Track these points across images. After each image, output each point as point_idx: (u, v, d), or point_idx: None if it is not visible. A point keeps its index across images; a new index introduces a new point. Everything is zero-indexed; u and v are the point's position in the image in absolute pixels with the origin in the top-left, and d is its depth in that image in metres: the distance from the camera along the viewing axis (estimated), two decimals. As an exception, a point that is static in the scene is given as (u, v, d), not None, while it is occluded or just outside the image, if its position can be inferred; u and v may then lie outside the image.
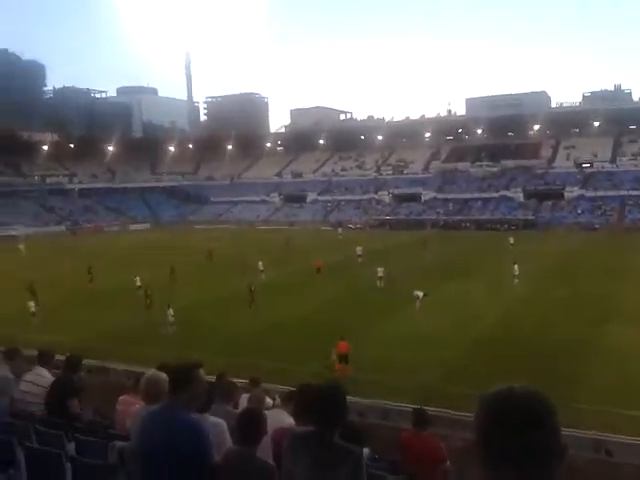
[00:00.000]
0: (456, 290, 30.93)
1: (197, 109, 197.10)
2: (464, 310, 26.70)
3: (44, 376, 7.04)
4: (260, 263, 38.00)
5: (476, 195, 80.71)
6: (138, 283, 32.93)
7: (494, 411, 1.46)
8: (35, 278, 33.38)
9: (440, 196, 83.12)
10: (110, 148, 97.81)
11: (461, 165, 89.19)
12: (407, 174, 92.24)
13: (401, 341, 22.22)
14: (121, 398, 6.58)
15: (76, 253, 51.41)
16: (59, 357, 8.33)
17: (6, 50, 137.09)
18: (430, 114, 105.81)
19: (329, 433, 3.41)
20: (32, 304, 27.86)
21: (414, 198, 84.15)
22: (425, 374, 18.32)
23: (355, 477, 3.37)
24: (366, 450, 6.97)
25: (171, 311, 25.10)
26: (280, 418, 5.63)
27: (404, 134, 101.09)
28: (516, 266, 33.63)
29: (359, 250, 44.45)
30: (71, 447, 5.33)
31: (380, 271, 34.16)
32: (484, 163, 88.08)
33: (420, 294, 27.55)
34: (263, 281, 34.99)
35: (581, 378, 17.55)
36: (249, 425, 4.17)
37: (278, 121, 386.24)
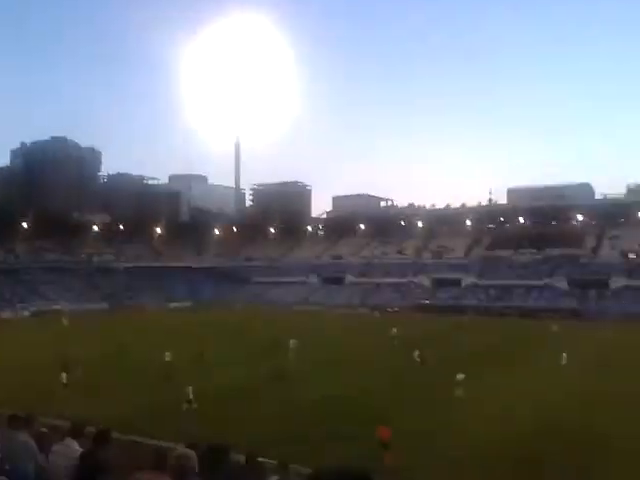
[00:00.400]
0: (498, 378, 29.78)
1: (243, 196, 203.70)
2: (504, 401, 25.58)
3: (73, 448, 7.03)
4: (292, 341, 38.10)
5: (518, 282, 79.24)
6: (168, 359, 33.50)
7: None
8: (69, 352, 34.07)
9: (481, 282, 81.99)
10: (157, 230, 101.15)
11: (503, 252, 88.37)
12: (447, 259, 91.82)
13: (434, 428, 21.40)
14: (144, 477, 6.50)
15: (113, 330, 52.13)
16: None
17: (64, 138, 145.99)
18: (471, 202, 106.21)
19: None
20: (64, 375, 28.61)
21: (454, 283, 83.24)
22: (461, 468, 17.43)
23: None
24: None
25: (190, 389, 25.08)
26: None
27: (445, 221, 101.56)
28: (564, 354, 32.51)
29: (394, 331, 44.54)
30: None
31: (416, 355, 34.24)
32: (527, 250, 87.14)
33: (461, 376, 27.01)
34: (294, 360, 34.90)
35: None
36: None
37: (320, 208, 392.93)
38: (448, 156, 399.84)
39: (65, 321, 57.03)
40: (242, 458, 7.86)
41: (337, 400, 25.55)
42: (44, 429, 8.36)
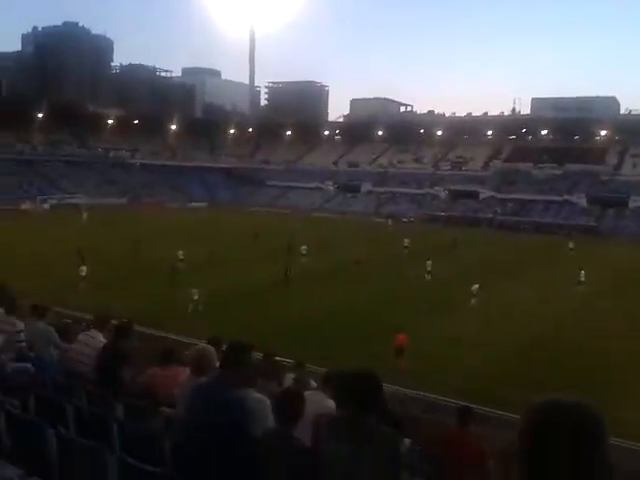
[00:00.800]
0: (510, 291, 30.20)
1: (258, 94, 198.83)
2: (518, 312, 26.07)
3: (97, 338, 7.28)
4: (303, 247, 38.30)
5: (537, 197, 78.48)
6: (181, 257, 34.41)
7: (543, 420, 1.41)
8: (88, 245, 34.92)
9: (499, 195, 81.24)
10: (172, 127, 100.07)
11: (523, 166, 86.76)
12: (465, 171, 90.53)
13: (449, 337, 21.95)
14: (153, 371, 6.77)
15: (134, 225, 52.92)
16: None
17: (76, 24, 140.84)
18: (493, 112, 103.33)
19: (365, 418, 3.48)
20: (84, 268, 29.21)
21: (471, 195, 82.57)
22: (471, 372, 18.04)
23: (392, 461, 3.43)
24: (407, 440, 6.92)
25: (195, 291, 25.20)
26: (320, 400, 5.65)
27: (465, 131, 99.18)
28: (582, 272, 32.70)
29: (406, 242, 44.65)
30: (119, 409, 5.49)
31: (429, 265, 34.14)
32: (547, 165, 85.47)
33: (476, 287, 27.45)
34: (305, 265, 35.44)
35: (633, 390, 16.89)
36: (287, 405, 4.24)
37: (337, 110, 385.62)
38: (472, 63, 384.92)
39: (85, 215, 57.82)
40: (259, 356, 8.12)
41: (346, 307, 25.89)
42: (68, 320, 8.72)
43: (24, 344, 7.05)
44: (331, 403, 5.67)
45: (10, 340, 6.69)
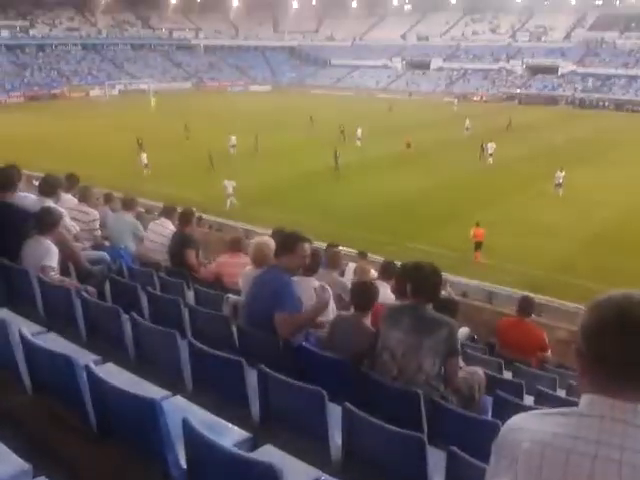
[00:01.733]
0: (584, 177, 28.67)
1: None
2: (591, 200, 24.86)
3: (168, 227, 7.59)
4: (359, 131, 37.09)
5: (621, 71, 71.87)
6: (233, 142, 33.90)
7: (612, 316, 1.33)
8: (155, 132, 35.35)
9: (580, 70, 74.96)
10: (234, 2, 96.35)
11: (608, 35, 78.75)
12: (545, 42, 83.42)
13: (512, 224, 21.37)
14: (221, 259, 7.06)
15: (200, 111, 52.98)
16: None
17: None
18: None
19: (423, 305, 3.73)
20: (144, 156, 29.31)
21: (550, 70, 76.61)
22: (537, 261, 17.73)
23: (447, 344, 3.64)
24: (465, 329, 7.06)
25: (233, 183, 23.45)
26: (382, 291, 5.76)
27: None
28: None
29: (467, 123, 42.43)
30: (190, 296, 5.81)
31: (491, 147, 32.31)
32: (634, 34, 77.30)
33: (561, 175, 25.63)
34: (360, 151, 34.34)
35: None
36: (363, 295, 4.47)
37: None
38: None
39: (153, 101, 58.16)
40: (321, 246, 8.27)
41: (402, 197, 24.89)
42: (142, 209, 9.05)
43: (99, 232, 7.43)
44: (391, 295, 5.79)
45: (85, 228, 7.06)
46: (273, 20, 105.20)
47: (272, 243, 5.08)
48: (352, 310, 4.51)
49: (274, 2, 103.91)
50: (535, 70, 78.01)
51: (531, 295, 7.61)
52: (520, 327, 6.62)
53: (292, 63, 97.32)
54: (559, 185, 25.34)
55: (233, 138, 34.08)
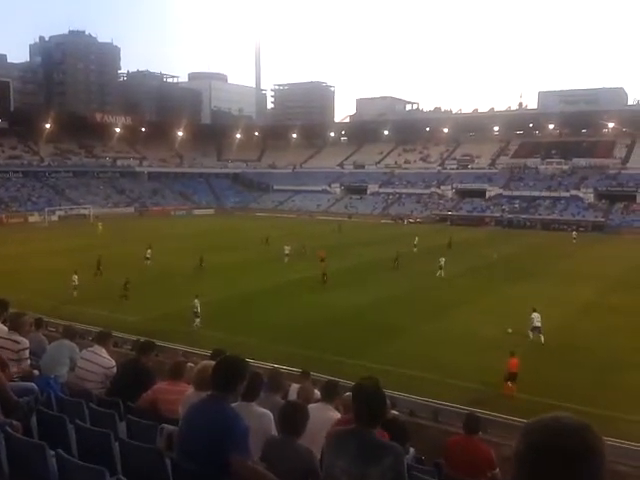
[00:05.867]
0: (517, 292, 29.97)
1: (264, 97, 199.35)
2: (523, 313, 25.73)
3: (102, 355, 7.28)
4: (286, 248, 39.01)
5: (545, 194, 77.88)
6: (147, 255, 36.55)
7: (542, 441, 1.35)
8: (109, 254, 35.54)
9: (506, 193, 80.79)
10: (179, 133, 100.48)
11: (530, 161, 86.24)
12: (472, 169, 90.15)
13: (455, 340, 21.73)
14: (158, 387, 6.75)
15: (142, 234, 52.99)
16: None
17: (83, 32, 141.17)
18: (500, 107, 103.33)
19: (368, 430, 3.52)
20: (75, 277, 28.58)
21: (478, 194, 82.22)
22: (477, 376, 17.85)
23: (394, 473, 3.43)
24: (412, 450, 6.88)
25: (197, 302, 23.59)
26: (324, 412, 5.62)
27: (472, 127, 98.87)
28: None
29: (416, 240, 45.54)
30: (122, 428, 5.47)
31: (442, 261, 34.70)
32: (555, 160, 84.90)
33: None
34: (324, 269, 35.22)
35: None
36: (290, 418, 4.27)
37: (344, 110, 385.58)
38: (477, 59, 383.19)
39: (100, 226, 57.55)
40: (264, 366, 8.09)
41: (359, 308, 25.86)
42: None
43: (28, 362, 7.05)
44: (335, 414, 5.64)
45: (14, 358, 6.69)
46: (217, 150, 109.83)
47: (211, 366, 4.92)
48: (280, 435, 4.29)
49: (218, 134, 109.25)
50: (464, 194, 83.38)
51: (477, 412, 7.57)
52: (468, 445, 6.52)
53: (236, 189, 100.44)
54: (536, 329, 22.20)
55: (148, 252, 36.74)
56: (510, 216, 73.63)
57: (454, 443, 6.76)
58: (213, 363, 5.24)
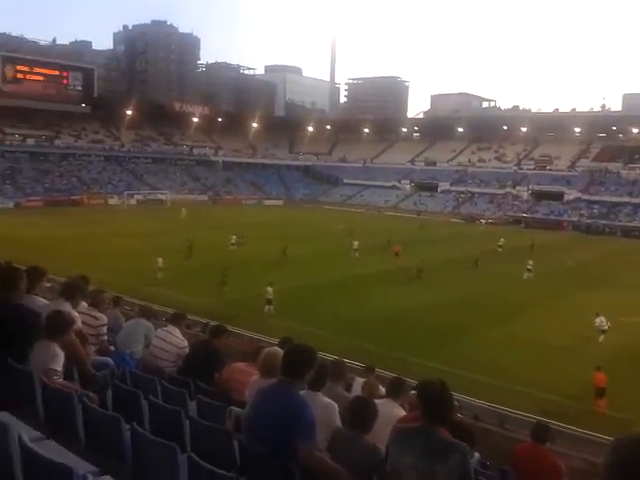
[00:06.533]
0: (592, 299, 28.59)
1: (338, 90, 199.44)
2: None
3: (176, 335, 7.55)
4: (355, 243, 39.07)
5: (626, 199, 74.00)
6: (233, 241, 38.45)
7: (631, 456, 1.32)
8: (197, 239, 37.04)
9: (585, 197, 77.28)
10: (254, 124, 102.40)
11: (612, 165, 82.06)
12: (551, 170, 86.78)
13: (524, 345, 21.07)
14: (236, 365, 6.90)
15: (218, 221, 54.47)
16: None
17: (165, 22, 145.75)
18: (582, 108, 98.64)
19: (435, 428, 3.53)
20: (160, 260, 29.84)
21: (556, 197, 79.08)
22: (546, 385, 17.23)
23: (461, 471, 3.42)
24: (477, 455, 6.74)
25: (270, 289, 24.32)
26: (389, 409, 5.57)
27: (551, 127, 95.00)
28: None
29: (501, 241, 45.39)
30: (192, 407, 5.63)
31: (530, 263, 34.44)
32: (638, 165, 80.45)
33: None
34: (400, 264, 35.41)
35: None
36: (360, 413, 4.26)
37: (418, 106, 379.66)
38: (559, 57, 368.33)
39: (184, 212, 58.63)
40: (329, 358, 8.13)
41: (432, 307, 25.51)
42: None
43: (105, 337, 7.37)
44: (400, 411, 5.58)
45: (93, 333, 7.01)
46: (289, 142, 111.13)
47: (280, 353, 4.98)
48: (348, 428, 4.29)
49: (291, 126, 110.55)
50: (540, 196, 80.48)
51: (546, 421, 7.31)
52: (536, 454, 6.31)
53: (306, 181, 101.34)
54: (604, 332, 22.50)
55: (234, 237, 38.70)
56: (589, 221, 70.48)
57: (522, 451, 6.56)
58: (279, 350, 5.32)
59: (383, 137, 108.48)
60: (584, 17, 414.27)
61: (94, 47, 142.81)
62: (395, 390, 6.30)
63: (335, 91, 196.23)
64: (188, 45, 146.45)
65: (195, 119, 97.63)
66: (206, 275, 29.52)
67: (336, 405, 4.78)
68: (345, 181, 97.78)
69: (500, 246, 44.70)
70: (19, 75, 79.92)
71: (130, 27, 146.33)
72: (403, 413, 5.41)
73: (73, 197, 70.34)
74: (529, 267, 34.35)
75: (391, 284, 30.25)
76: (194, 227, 48.31)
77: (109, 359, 6.43)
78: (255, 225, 52.56)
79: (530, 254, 39.62)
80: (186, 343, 7.59)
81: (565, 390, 16.90)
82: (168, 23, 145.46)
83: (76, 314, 5.79)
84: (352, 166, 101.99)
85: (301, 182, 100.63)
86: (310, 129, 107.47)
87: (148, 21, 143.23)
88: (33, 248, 30.21)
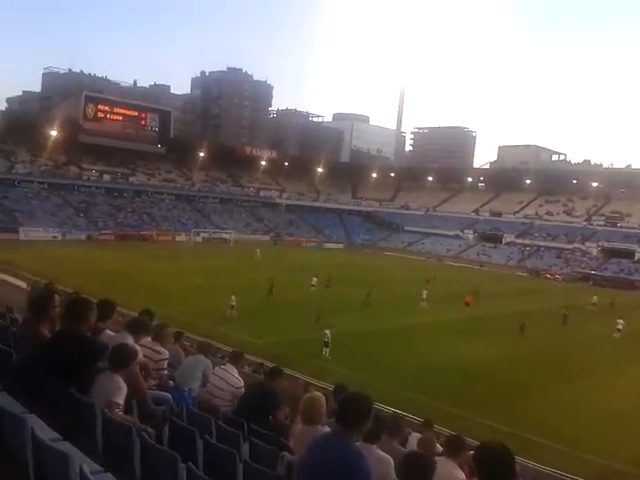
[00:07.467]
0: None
1: (404, 139, 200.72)
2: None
3: (233, 374, 7.58)
4: (424, 292, 37.86)
5: None
6: (313, 282, 38.54)
7: None
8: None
9: (659, 256, 73.61)
10: (319, 169, 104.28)
11: (689, 225, 78.15)
12: (622, 227, 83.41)
13: (589, 410, 19.91)
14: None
15: (282, 263, 54.89)
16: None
17: (240, 70, 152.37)
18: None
19: None
20: (233, 298, 30.20)
21: (626, 255, 75.70)
22: (609, 453, 16.11)
23: None
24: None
25: (328, 332, 24.29)
26: (448, 469, 5.35)
27: (623, 183, 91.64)
28: None
29: (595, 299, 44.29)
30: (245, 449, 5.60)
31: (620, 323, 33.25)
32: None
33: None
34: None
35: None
36: (418, 470, 4.12)
37: (485, 156, 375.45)
38: (633, 111, 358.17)
39: (258, 252, 58.56)
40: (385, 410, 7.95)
41: (495, 363, 24.69)
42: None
43: (166, 372, 7.48)
44: (459, 474, 5.34)
45: (154, 367, 7.14)
46: (352, 188, 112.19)
47: (323, 400, 4.91)
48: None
49: (355, 172, 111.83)
50: (610, 253, 77.24)
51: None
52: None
53: (366, 226, 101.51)
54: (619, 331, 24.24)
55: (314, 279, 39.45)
56: (663, 282, 66.83)
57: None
58: (319, 395, 5.21)
59: (447, 186, 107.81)
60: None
61: (172, 91, 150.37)
62: (454, 449, 6.03)
63: (401, 139, 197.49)
64: (261, 92, 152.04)
65: (263, 162, 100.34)
66: (280, 314, 29.85)
67: (392, 459, 4.65)
68: (406, 228, 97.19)
69: (594, 304, 43.62)
70: (100, 114, 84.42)
71: (207, 73, 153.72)
72: (462, 476, 5.17)
73: (142, 232, 73.06)
74: (619, 327, 33.10)
75: (453, 336, 29.43)
76: (263, 267, 48.55)
77: (168, 394, 6.50)
78: (321, 267, 52.42)
79: (617, 313, 37.55)
80: (242, 383, 7.61)
81: (628, 458, 15.77)
82: (243, 71, 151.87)
83: (137, 347, 5.92)
84: (414, 213, 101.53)
85: (362, 227, 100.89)
86: (374, 175, 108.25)
87: (224, 68, 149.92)
88: (103, 280, 31.32)
